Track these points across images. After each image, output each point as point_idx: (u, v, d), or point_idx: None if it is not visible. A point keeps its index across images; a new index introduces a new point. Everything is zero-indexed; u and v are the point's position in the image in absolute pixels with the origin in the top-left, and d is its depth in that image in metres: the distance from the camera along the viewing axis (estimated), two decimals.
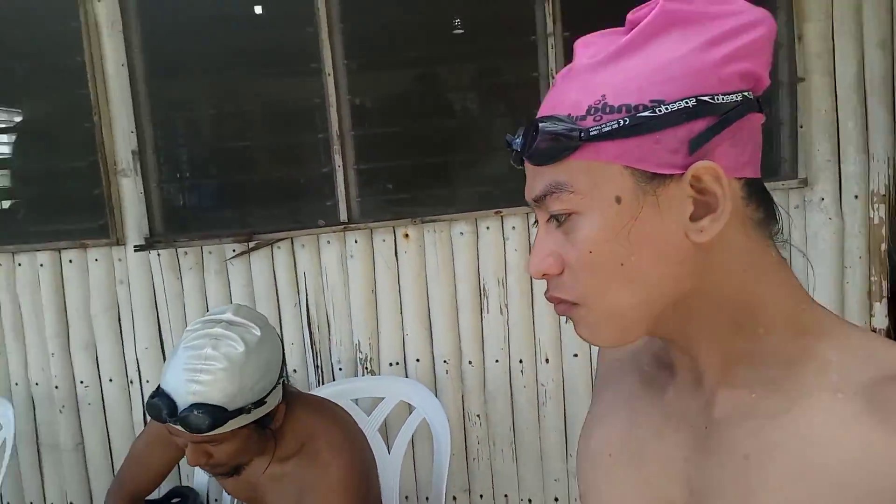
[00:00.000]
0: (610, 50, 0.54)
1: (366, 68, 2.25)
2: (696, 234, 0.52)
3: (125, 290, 2.38)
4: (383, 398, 2.09)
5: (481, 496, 2.26)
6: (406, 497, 2.23)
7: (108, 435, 2.44)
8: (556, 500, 2.23)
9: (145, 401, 1.28)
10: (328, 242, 2.28)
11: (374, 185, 2.28)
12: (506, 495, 2.25)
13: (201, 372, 1.22)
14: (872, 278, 2.15)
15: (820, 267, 2.12)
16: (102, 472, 2.45)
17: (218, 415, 1.21)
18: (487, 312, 2.21)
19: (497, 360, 2.22)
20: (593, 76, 0.54)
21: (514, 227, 2.18)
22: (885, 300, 2.16)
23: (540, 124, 0.54)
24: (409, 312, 2.26)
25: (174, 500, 1.97)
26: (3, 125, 2.62)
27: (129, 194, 2.32)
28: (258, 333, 1.31)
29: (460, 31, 2.27)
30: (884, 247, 2.13)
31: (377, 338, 2.29)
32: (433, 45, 2.24)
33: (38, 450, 2.46)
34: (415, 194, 2.27)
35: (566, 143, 0.53)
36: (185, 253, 2.33)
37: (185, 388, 1.21)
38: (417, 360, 2.26)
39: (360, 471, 1.39)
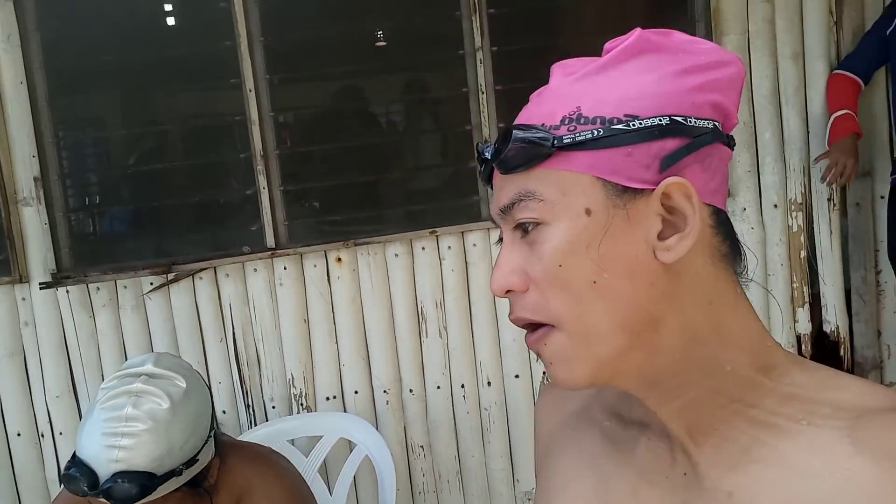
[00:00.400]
0: (587, 69, 0.55)
1: (289, 83, 2.17)
2: (663, 252, 0.51)
3: (31, 333, 2.18)
4: (321, 436, 1.98)
5: None
6: None
7: (18, 495, 2.21)
8: None
9: (59, 463, 1.13)
10: (255, 270, 2.16)
11: (301, 207, 2.19)
12: None
13: (123, 436, 1.08)
14: (794, 285, 2.22)
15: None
16: None
17: (146, 482, 1.08)
18: (426, 336, 2.14)
19: (439, 387, 2.14)
20: (569, 90, 0.54)
21: (449, 247, 2.13)
22: (807, 305, 2.22)
23: (513, 131, 0.53)
24: (345, 341, 2.16)
25: None
26: None
27: (32, 225, 2.14)
28: (183, 385, 1.18)
29: (383, 43, 2.23)
30: (803, 254, 2.21)
31: (311, 371, 2.18)
32: (358, 59, 2.18)
33: None
34: (345, 216, 2.19)
35: (538, 149, 0.52)
36: (98, 288, 2.16)
37: (106, 455, 1.08)
38: (356, 392, 2.15)
39: None
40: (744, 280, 0.56)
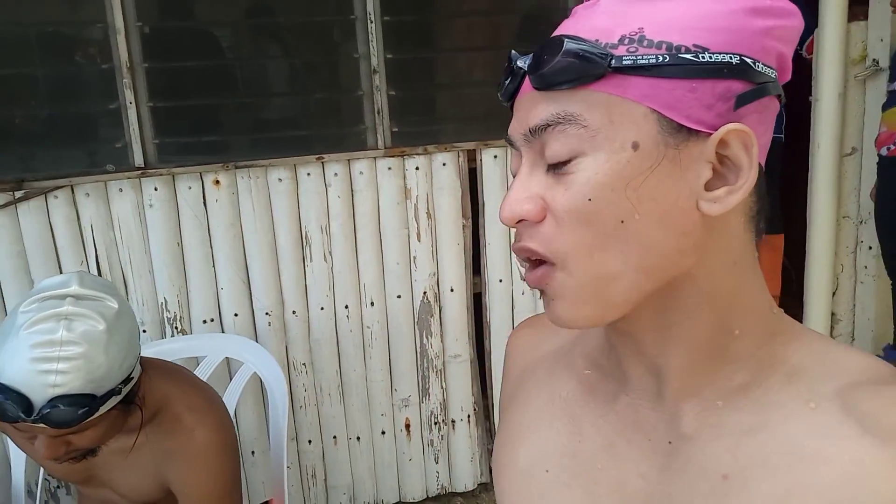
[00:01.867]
0: None
1: None
2: (708, 204, 0.47)
3: None
4: (202, 357, 1.95)
5: (310, 441, 2.26)
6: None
7: None
8: (384, 433, 2.32)
9: None
10: (120, 190, 1.99)
11: (173, 126, 2.01)
12: (334, 437, 2.29)
13: (59, 360, 1.03)
14: None
15: None
16: None
17: (87, 404, 1.05)
18: (311, 261, 2.14)
19: (322, 308, 2.18)
20: (630, 8, 0.48)
21: (336, 174, 2.10)
22: None
23: (564, 40, 0.46)
24: (223, 265, 2.09)
25: None
26: None
27: None
28: (115, 305, 1.13)
29: None
30: None
31: (186, 294, 2.10)
32: None
33: None
34: (223, 137, 2.06)
35: (591, 67, 0.46)
36: None
37: (41, 380, 1.02)
38: (236, 315, 2.13)
39: (229, 432, 1.32)
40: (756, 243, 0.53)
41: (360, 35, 2.04)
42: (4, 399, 1.02)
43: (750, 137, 0.46)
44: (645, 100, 0.46)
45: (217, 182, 2.04)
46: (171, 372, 1.35)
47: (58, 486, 2.13)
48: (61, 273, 1.99)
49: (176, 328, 2.11)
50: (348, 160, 2.10)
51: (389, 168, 2.12)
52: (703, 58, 0.45)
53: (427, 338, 2.27)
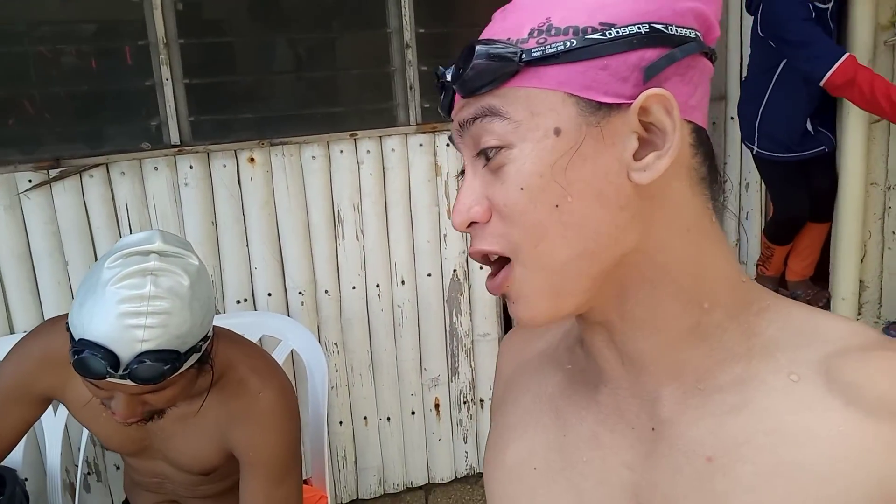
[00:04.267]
0: None
1: None
2: (638, 173, 0.47)
3: None
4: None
5: (341, 423, 2.26)
6: None
7: None
8: (413, 413, 2.33)
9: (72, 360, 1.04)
10: (155, 169, 1.99)
11: (208, 103, 2.02)
12: (365, 418, 2.29)
13: (148, 315, 1.03)
14: None
15: None
16: None
17: (172, 360, 1.05)
18: (343, 239, 2.16)
19: (354, 287, 2.19)
20: (538, 3, 0.49)
21: (368, 151, 2.12)
22: None
23: (475, 46, 0.48)
24: (257, 244, 2.10)
25: None
26: None
27: None
28: (196, 262, 1.14)
29: None
30: None
31: (220, 274, 2.10)
32: None
33: None
34: (260, 115, 2.07)
35: (504, 65, 0.47)
36: None
37: (130, 335, 1.02)
38: (269, 295, 2.13)
39: (292, 395, 1.33)
40: (718, 209, 0.52)
41: (393, 9, 2.07)
42: (91, 355, 1.01)
43: (669, 101, 0.46)
44: (561, 86, 0.47)
45: (252, 160, 2.05)
46: (233, 337, 1.36)
47: (88, 473, 2.11)
48: (95, 252, 2.01)
49: None
50: (380, 137, 2.12)
51: (421, 145, 2.15)
52: (611, 34, 0.46)
53: (456, 316, 2.29)
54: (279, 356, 1.89)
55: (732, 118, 2.58)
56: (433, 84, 0.55)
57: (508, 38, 0.48)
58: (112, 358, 1.02)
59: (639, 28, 0.46)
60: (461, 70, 0.48)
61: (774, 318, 0.50)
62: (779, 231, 2.58)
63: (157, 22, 1.90)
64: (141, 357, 1.02)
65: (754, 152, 2.45)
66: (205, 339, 1.14)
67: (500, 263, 0.51)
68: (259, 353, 1.36)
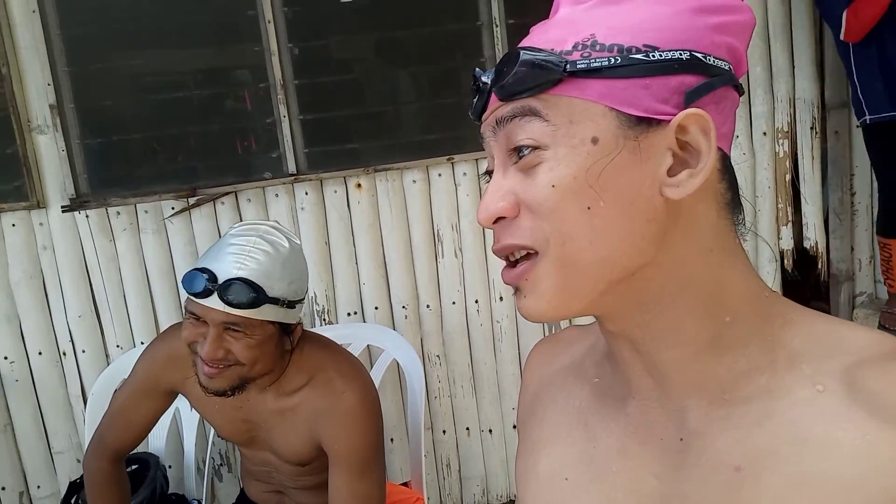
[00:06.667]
0: None
1: (307, 12, 2.17)
2: (671, 188, 0.49)
3: (49, 256, 2.21)
4: (349, 344, 2.12)
5: (444, 432, 2.37)
6: None
7: (41, 412, 2.30)
8: (514, 427, 2.39)
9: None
10: (276, 196, 2.23)
11: (321, 136, 2.24)
12: (467, 428, 2.38)
13: (248, 256, 1.26)
14: (779, 205, 2.44)
15: None
16: (37, 453, 2.31)
17: (257, 292, 1.24)
18: (443, 257, 2.28)
19: (454, 302, 2.30)
20: (581, 17, 0.51)
21: (465, 174, 2.24)
22: (790, 224, 2.45)
23: (520, 52, 0.49)
24: (365, 261, 2.27)
25: (131, 468, 1.91)
26: None
27: (48, 152, 2.13)
28: (298, 243, 1.38)
29: None
30: (788, 177, 2.41)
31: (333, 289, 2.30)
32: None
33: None
34: (364, 144, 2.26)
35: (548, 73, 0.49)
36: (118, 213, 2.19)
37: (229, 265, 1.25)
38: (376, 308, 2.29)
39: (374, 398, 1.44)
40: (741, 232, 0.54)
41: (486, 40, 2.18)
42: (197, 273, 1.24)
43: (707, 122, 0.48)
44: (602, 99, 0.48)
45: (359, 185, 2.23)
46: (326, 343, 1.51)
47: (221, 464, 2.37)
48: None
49: (324, 320, 2.31)
50: (476, 160, 2.23)
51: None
52: (654, 56, 0.48)
53: (554, 332, 2.32)
54: (382, 365, 2.04)
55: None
56: (470, 87, 0.56)
57: (552, 49, 0.49)
58: (212, 277, 1.23)
59: (680, 54, 0.48)
60: (503, 74, 0.50)
61: (799, 331, 0.51)
62: (888, 220, 2.26)
63: (274, 66, 2.14)
64: (232, 280, 1.23)
65: (867, 122, 2.20)
66: (289, 303, 1.31)
67: (517, 260, 0.53)
68: (346, 357, 1.49)
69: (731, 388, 0.51)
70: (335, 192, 2.23)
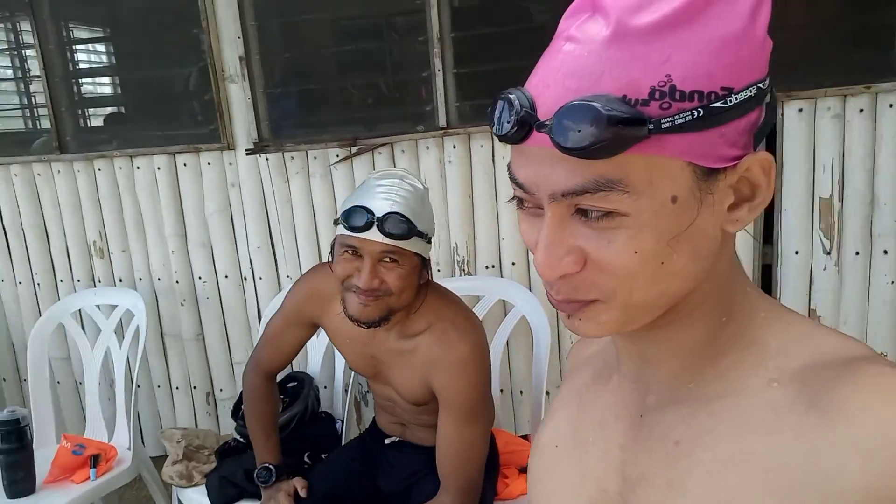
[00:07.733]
0: (663, 11, 0.44)
1: None
2: (731, 224, 0.49)
3: (236, 193, 2.53)
4: (482, 297, 2.19)
5: None
6: (501, 390, 2.37)
7: (226, 327, 2.67)
8: None
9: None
10: (427, 148, 2.34)
11: (472, 90, 2.29)
12: None
13: (396, 193, 1.41)
14: None
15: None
16: (221, 361, 2.69)
17: (408, 224, 1.39)
18: None
19: None
20: (649, 46, 0.44)
21: None
22: None
23: (596, 107, 0.43)
24: (506, 218, 2.32)
25: (290, 385, 2.15)
26: (102, 36, 2.73)
27: (237, 100, 2.42)
28: (428, 189, 1.53)
29: None
30: None
31: (474, 241, 2.38)
32: None
33: (163, 339, 2.71)
34: None
35: (631, 135, 0.43)
36: (292, 158, 2.44)
37: (382, 201, 1.39)
38: (513, 264, 2.34)
39: (484, 351, 1.52)
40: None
41: None
42: (357, 210, 1.38)
43: (771, 162, 0.48)
44: (681, 154, 0.45)
45: None
46: (447, 295, 1.61)
47: (367, 391, 2.59)
48: None
49: (463, 270, 2.40)
50: None
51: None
52: (731, 101, 0.45)
53: None
54: (511, 320, 2.09)
55: None
56: (499, 108, 0.49)
57: (625, 96, 0.44)
58: (370, 213, 1.38)
59: (750, 91, 0.46)
60: (570, 129, 0.44)
61: (776, 331, 0.53)
62: None
63: (433, 19, 2.22)
64: (390, 214, 1.38)
65: None
66: (428, 239, 1.47)
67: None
68: (464, 311, 1.58)
69: (698, 379, 0.54)
70: (481, 146, 2.29)
